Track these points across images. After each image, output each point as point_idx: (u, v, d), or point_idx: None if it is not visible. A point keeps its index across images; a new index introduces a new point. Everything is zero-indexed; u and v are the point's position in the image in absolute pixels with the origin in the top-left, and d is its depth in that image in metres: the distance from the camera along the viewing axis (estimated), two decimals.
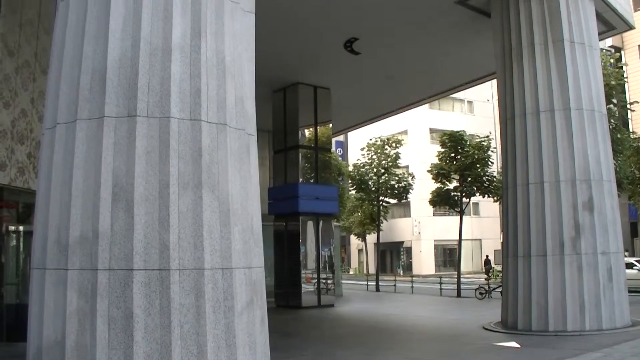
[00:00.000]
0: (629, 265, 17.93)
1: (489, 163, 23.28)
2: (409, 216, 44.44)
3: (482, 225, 43.86)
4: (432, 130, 44.04)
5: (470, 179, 22.86)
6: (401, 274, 41.45)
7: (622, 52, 34.42)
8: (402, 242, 45.64)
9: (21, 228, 10.20)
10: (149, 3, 5.10)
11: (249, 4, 5.80)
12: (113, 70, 4.95)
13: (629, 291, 11.18)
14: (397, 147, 28.20)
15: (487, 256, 35.46)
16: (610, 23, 12.60)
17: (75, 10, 5.27)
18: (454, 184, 23.64)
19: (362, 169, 28.10)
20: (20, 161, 9.37)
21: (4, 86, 9.05)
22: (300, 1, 11.47)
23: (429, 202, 25.43)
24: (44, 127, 5.29)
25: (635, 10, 31.52)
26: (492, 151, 23.24)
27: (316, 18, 12.30)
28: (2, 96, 9.02)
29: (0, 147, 8.96)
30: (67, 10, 5.34)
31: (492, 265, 33.07)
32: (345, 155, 43.05)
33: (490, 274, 29.90)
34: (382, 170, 27.61)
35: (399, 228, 44.82)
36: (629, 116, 27.78)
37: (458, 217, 23.67)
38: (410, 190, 28.62)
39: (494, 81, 13.56)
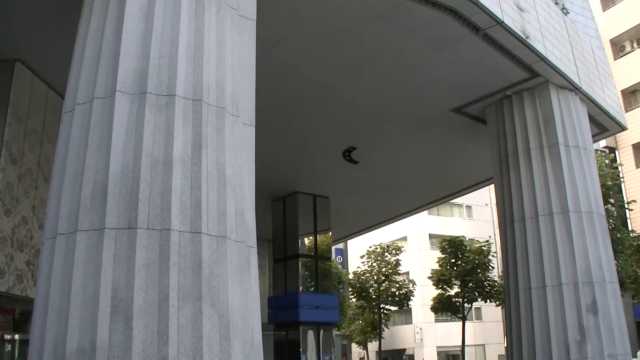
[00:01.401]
0: None
1: (490, 268, 23.21)
2: (411, 323, 43.69)
3: (485, 330, 43.05)
4: (431, 236, 44.02)
5: (471, 284, 22.73)
6: None
7: (617, 152, 34.93)
8: (404, 350, 44.62)
9: (17, 337, 10.00)
10: (150, 118, 5.20)
11: (249, 117, 5.92)
12: (114, 182, 4.99)
13: None
14: (397, 254, 28.14)
15: None
16: (603, 125, 12.83)
17: (79, 123, 5.38)
18: (455, 289, 23.45)
19: (362, 277, 27.94)
20: (19, 268, 9.30)
21: (6, 194, 9.11)
22: (299, 113, 11.70)
23: (431, 308, 25.13)
24: (44, 236, 5.28)
25: (627, 111, 32.30)
26: (493, 255, 23.23)
27: (314, 129, 12.54)
28: (4, 203, 9.06)
29: (0, 254, 8.91)
30: (71, 122, 5.45)
31: None
32: (345, 263, 42.80)
33: None
34: (383, 278, 27.48)
35: (400, 335, 43.97)
36: (627, 215, 27.88)
37: (460, 323, 23.31)
38: (412, 297, 28.35)
39: (492, 185, 13.64)
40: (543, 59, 9.87)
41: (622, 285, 17.42)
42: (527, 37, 9.38)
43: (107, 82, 5.41)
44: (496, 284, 22.80)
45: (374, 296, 27.10)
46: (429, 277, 24.09)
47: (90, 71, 5.59)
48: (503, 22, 8.82)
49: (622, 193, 27.26)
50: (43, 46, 8.90)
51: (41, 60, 9.26)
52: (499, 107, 11.41)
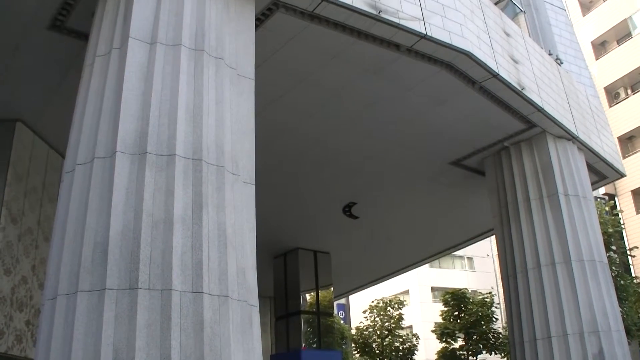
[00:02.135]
0: None
1: (494, 319, 22.94)
2: None
3: None
4: (434, 289, 43.66)
5: (475, 336, 22.43)
6: None
7: (616, 198, 34.90)
8: None
9: None
10: (151, 178, 5.22)
11: (249, 176, 5.94)
12: (115, 243, 4.97)
13: None
14: (400, 308, 27.88)
15: None
16: (602, 173, 12.85)
17: (80, 183, 5.40)
18: (460, 342, 23.15)
19: (365, 332, 27.60)
20: (19, 329, 9.19)
21: (6, 253, 9.07)
22: (297, 170, 11.75)
23: None
24: (44, 297, 5.23)
25: (624, 157, 32.43)
26: (496, 307, 22.99)
27: (314, 185, 12.57)
28: (4, 263, 9.02)
29: None
30: (71, 182, 5.47)
31: None
32: (347, 318, 42.31)
33: None
34: (386, 332, 27.12)
35: None
36: (630, 262, 27.74)
37: None
38: (415, 351, 27.94)
39: (493, 236, 13.59)
40: (539, 109, 9.95)
41: (628, 332, 17.23)
42: (522, 89, 9.47)
43: (108, 142, 5.45)
44: (501, 335, 22.55)
45: (377, 351, 26.73)
46: (433, 331, 23.82)
47: (90, 131, 5.64)
48: (498, 74, 8.92)
49: (623, 240, 27.16)
50: (44, 106, 9.00)
51: (42, 120, 9.35)
52: (497, 159, 11.45)
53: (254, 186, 5.97)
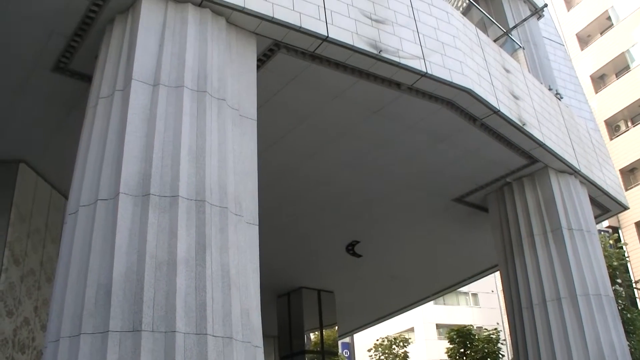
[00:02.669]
0: None
1: (500, 356, 22.72)
2: None
3: None
4: (439, 326, 43.33)
5: None
6: None
7: (620, 231, 34.80)
8: None
9: None
10: (154, 219, 5.22)
11: (252, 216, 5.95)
12: (118, 284, 4.95)
13: None
14: (405, 346, 27.65)
15: None
16: (605, 206, 12.83)
17: (83, 224, 5.39)
18: None
19: None
20: None
21: (8, 294, 9.01)
22: (300, 209, 11.76)
23: None
24: (47, 339, 5.19)
25: (627, 190, 32.40)
26: (502, 343, 22.78)
27: (317, 224, 12.56)
28: (6, 304, 8.96)
29: (1, 356, 8.73)
30: (74, 224, 5.46)
31: None
32: (352, 357, 41.83)
33: None
34: None
35: None
36: (636, 295, 27.55)
37: None
38: None
39: (498, 272, 13.52)
40: (541, 144, 9.97)
41: None
42: (523, 124, 9.51)
43: (111, 184, 5.46)
44: None
45: None
46: None
47: (93, 173, 5.65)
48: (499, 111, 8.96)
49: (629, 272, 27.04)
50: (47, 147, 9.04)
51: (45, 160, 9.36)
52: (500, 195, 11.45)
53: (257, 227, 5.97)
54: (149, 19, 6.23)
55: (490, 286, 43.87)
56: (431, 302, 38.01)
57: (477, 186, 11.20)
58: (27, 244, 9.53)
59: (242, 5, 6.62)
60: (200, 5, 6.52)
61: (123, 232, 5.16)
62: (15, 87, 7.71)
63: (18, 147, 9.06)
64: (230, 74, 6.43)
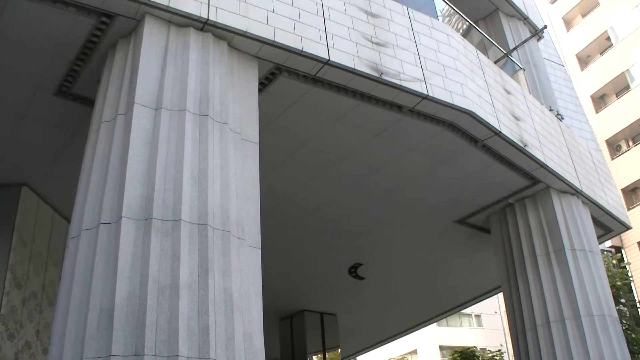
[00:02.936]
0: None
1: None
2: None
3: None
4: (442, 348, 43.06)
5: None
6: None
7: (623, 251, 34.72)
8: None
9: None
10: (157, 243, 5.21)
11: (255, 240, 5.94)
12: (121, 309, 4.93)
13: None
14: None
15: None
16: (607, 226, 12.80)
17: (85, 248, 5.38)
18: None
19: None
20: None
21: (10, 318, 8.98)
22: (302, 232, 11.74)
23: None
24: None
25: (629, 209, 32.35)
26: None
27: (319, 247, 12.54)
28: (7, 328, 8.92)
29: None
30: (77, 248, 5.45)
31: None
32: None
33: None
34: None
35: None
36: None
37: None
38: None
39: (501, 293, 13.47)
40: (542, 165, 9.98)
41: None
42: (525, 146, 9.52)
43: (113, 208, 5.46)
44: None
45: None
46: None
47: (96, 197, 5.66)
48: (500, 132, 8.98)
49: (632, 292, 26.98)
50: (49, 171, 9.05)
51: (47, 184, 9.38)
52: (502, 216, 11.44)
53: (260, 250, 5.96)
54: (151, 43, 6.28)
55: (494, 307, 43.66)
56: (434, 324, 37.87)
57: (479, 207, 11.20)
58: (29, 267, 9.52)
59: (243, 29, 6.68)
60: (202, 29, 6.58)
61: (125, 256, 5.15)
62: (17, 110, 7.75)
63: (20, 170, 9.08)
64: (232, 98, 6.46)
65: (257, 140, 6.57)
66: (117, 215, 5.37)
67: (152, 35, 6.32)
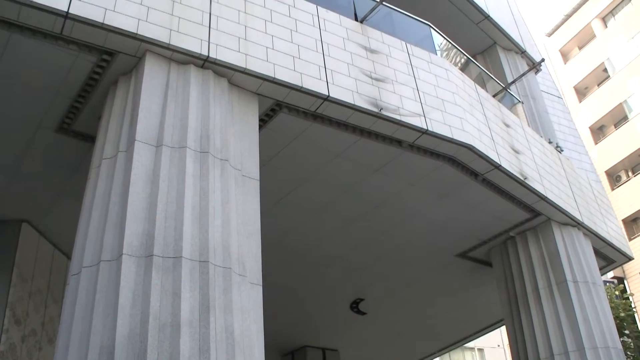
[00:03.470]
0: None
1: None
2: None
3: None
4: None
5: None
6: None
7: (625, 281, 34.55)
8: None
9: None
10: (157, 281, 5.19)
11: (256, 277, 5.91)
12: (121, 346, 4.89)
13: None
14: None
15: None
16: (609, 257, 12.76)
17: (86, 285, 5.36)
18: None
19: None
20: None
21: (9, 355, 8.89)
22: (304, 267, 11.71)
23: None
24: None
25: (630, 240, 32.23)
26: None
27: (321, 282, 12.49)
28: None
29: None
30: (77, 285, 5.43)
31: None
32: None
33: None
34: None
35: None
36: None
37: None
38: None
39: (504, 326, 13.37)
40: (543, 198, 9.98)
41: None
42: (525, 178, 9.53)
43: (114, 245, 5.45)
44: None
45: None
46: None
47: (97, 234, 5.64)
48: (500, 165, 9.00)
49: (636, 323, 26.80)
50: (50, 207, 9.05)
51: (48, 220, 9.37)
52: (503, 249, 11.41)
53: (261, 287, 5.93)
54: (152, 80, 6.32)
55: (497, 341, 43.24)
56: (437, 358, 37.51)
57: (481, 241, 11.17)
58: (28, 304, 9.47)
59: (243, 66, 6.74)
60: (202, 66, 6.63)
61: (126, 294, 5.13)
62: (19, 147, 7.77)
63: (21, 206, 9.08)
64: (232, 135, 6.49)
65: (257, 176, 6.58)
66: (118, 252, 5.35)
67: (153, 73, 6.37)
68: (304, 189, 9.01)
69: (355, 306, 13.87)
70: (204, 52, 6.55)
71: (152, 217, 5.52)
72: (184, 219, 5.53)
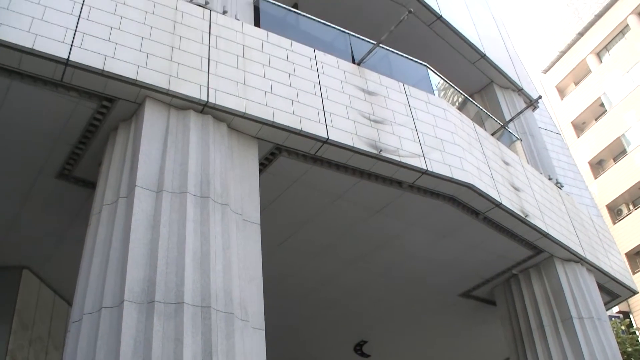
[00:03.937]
0: None
1: None
2: None
3: None
4: None
5: None
6: None
7: (631, 315, 34.26)
8: None
9: None
10: (159, 327, 5.16)
11: (259, 321, 5.87)
12: None
13: None
14: None
15: None
16: (614, 292, 12.68)
17: (87, 332, 5.32)
18: None
19: None
20: None
21: None
22: (306, 310, 11.67)
23: None
24: None
25: (634, 273, 32.05)
26: None
27: (324, 324, 12.42)
28: None
29: None
30: (78, 332, 5.39)
31: None
32: None
33: None
34: None
35: None
36: None
37: None
38: None
39: None
40: (544, 234, 9.96)
41: None
42: (526, 216, 9.52)
43: (115, 292, 5.42)
44: None
45: None
46: None
47: (98, 280, 5.62)
48: (501, 203, 9.00)
49: None
50: (51, 253, 9.04)
51: (48, 267, 9.35)
52: (507, 287, 11.34)
53: (264, 331, 5.89)
54: (152, 126, 6.36)
55: None
56: None
57: (483, 280, 11.11)
58: (29, 351, 9.38)
59: (242, 110, 6.78)
60: (202, 111, 6.68)
61: (128, 341, 5.09)
62: (19, 193, 7.79)
63: (22, 253, 9.07)
64: (232, 179, 6.50)
65: (258, 220, 6.58)
66: (119, 298, 5.33)
67: (152, 118, 6.41)
68: (304, 231, 9.00)
69: (359, 348, 13.74)
70: (203, 98, 6.60)
71: (154, 263, 5.51)
72: (185, 265, 5.52)
